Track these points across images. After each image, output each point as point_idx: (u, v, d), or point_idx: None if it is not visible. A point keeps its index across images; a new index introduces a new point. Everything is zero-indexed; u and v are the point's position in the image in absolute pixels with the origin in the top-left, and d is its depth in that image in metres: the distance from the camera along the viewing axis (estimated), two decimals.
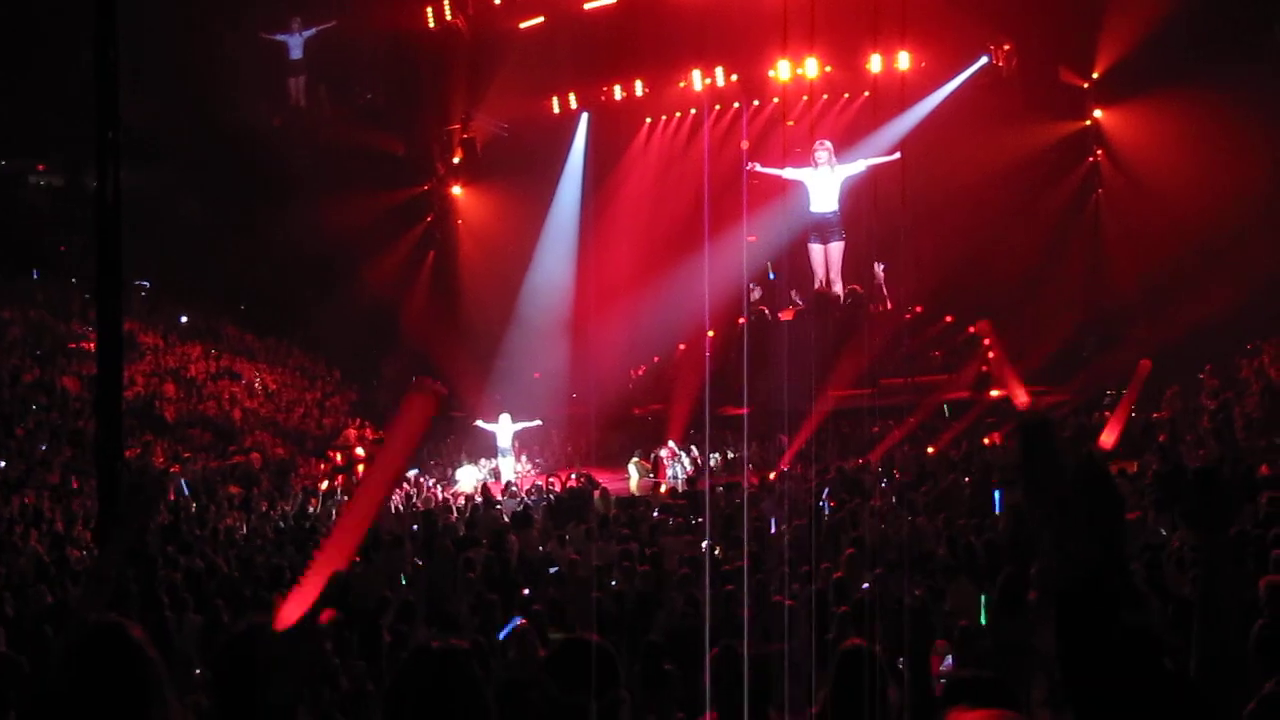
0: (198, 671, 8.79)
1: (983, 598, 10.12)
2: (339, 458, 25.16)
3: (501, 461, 23.95)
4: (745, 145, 27.41)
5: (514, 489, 20.89)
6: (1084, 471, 4.19)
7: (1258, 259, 21.71)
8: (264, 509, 19.69)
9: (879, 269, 26.33)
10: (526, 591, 12.32)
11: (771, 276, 23.28)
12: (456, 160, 31.44)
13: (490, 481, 22.35)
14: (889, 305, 26.07)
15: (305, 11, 30.63)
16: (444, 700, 3.40)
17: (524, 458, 25.16)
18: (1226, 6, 23.53)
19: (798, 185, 24.21)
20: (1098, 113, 27.31)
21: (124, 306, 4.19)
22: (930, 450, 21.30)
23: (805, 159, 24.34)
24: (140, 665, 3.36)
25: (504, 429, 24.11)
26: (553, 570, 13.48)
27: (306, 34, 30.73)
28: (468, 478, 23.64)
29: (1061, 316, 25.39)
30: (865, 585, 10.61)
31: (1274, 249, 21.49)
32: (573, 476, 20.80)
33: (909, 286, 26.79)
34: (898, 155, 23.36)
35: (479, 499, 19.28)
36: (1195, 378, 21.40)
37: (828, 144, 25.07)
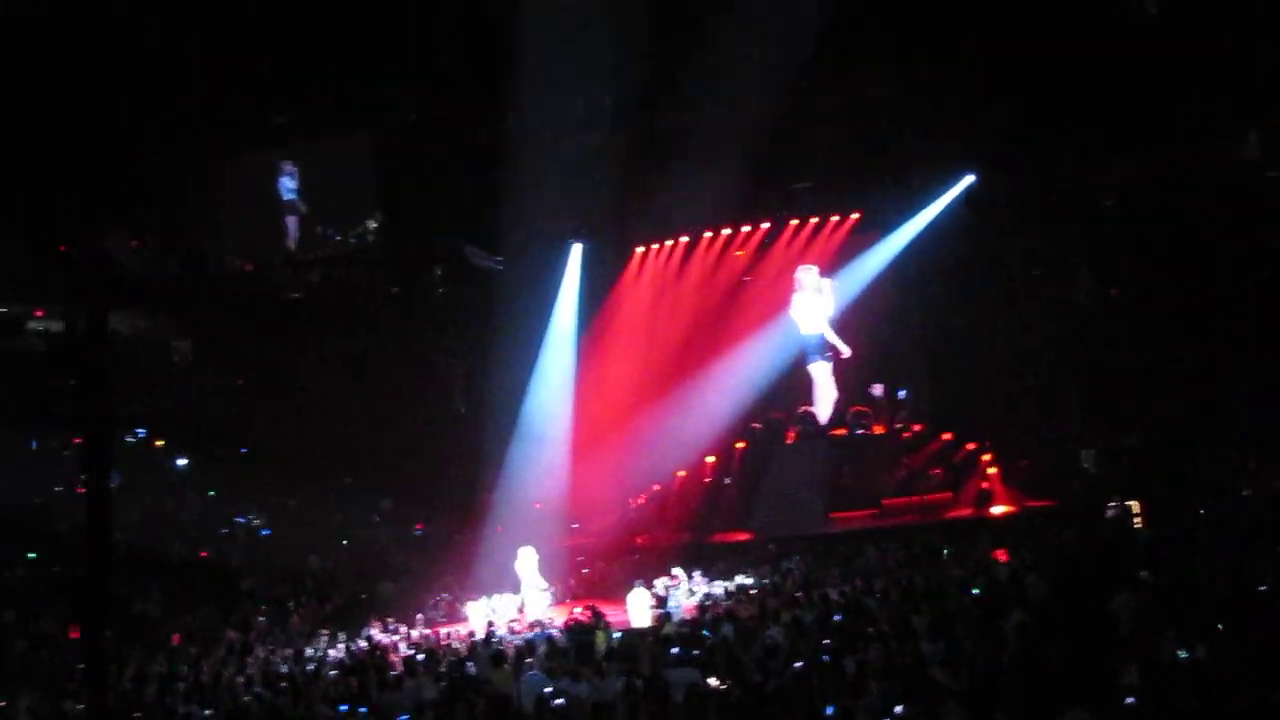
0: None
1: None
2: None
3: (526, 594, 22.76)
4: (740, 254, 27.66)
5: (514, 625, 20.52)
6: None
7: None
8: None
9: (877, 390, 26.53)
10: None
11: None
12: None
13: (515, 617, 21.45)
14: (891, 426, 26.27)
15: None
16: None
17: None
18: None
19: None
20: None
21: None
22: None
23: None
24: None
25: (527, 561, 22.99)
26: (557, 703, 13.21)
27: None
28: (476, 614, 22.36)
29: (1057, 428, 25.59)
30: None
31: None
32: (576, 611, 20.39)
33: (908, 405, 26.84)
34: (847, 353, 25.53)
35: (479, 637, 18.92)
36: None
37: (812, 269, 25.70)
